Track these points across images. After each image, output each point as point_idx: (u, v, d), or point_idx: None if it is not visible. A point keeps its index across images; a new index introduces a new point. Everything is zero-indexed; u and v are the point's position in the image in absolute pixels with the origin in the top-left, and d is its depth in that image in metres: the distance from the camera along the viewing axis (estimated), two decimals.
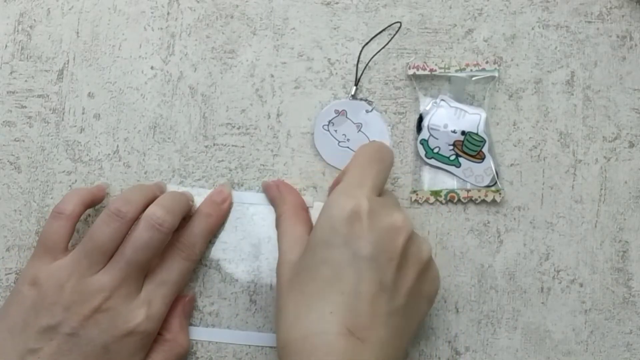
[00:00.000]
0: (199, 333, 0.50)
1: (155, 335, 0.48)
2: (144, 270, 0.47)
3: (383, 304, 0.42)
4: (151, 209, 0.46)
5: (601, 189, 0.52)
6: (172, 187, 0.52)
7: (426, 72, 0.53)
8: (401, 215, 0.44)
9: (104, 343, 0.45)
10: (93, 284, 0.45)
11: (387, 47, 0.53)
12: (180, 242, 0.49)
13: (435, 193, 0.52)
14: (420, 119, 0.52)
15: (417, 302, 0.44)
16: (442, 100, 0.53)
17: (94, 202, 0.50)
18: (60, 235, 0.47)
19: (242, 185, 0.52)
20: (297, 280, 0.43)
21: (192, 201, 0.51)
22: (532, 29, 0.53)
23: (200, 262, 0.51)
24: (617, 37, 0.53)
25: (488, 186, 0.52)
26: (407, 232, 0.43)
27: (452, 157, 0.52)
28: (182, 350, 0.49)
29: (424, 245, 0.45)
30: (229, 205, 0.51)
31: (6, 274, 0.52)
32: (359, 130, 0.52)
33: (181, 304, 0.49)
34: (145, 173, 0.52)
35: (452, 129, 0.52)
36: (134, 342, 0.46)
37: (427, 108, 0.53)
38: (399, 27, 0.53)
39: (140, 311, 0.46)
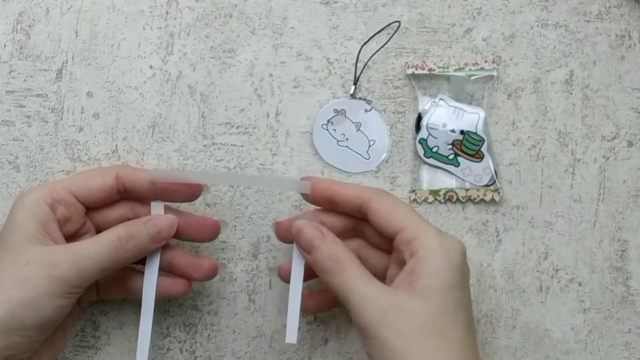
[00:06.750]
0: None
1: None
2: None
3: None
4: None
5: (600, 188, 0.52)
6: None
7: (425, 72, 0.53)
8: None
9: None
10: None
11: (386, 46, 0.53)
12: None
13: (434, 192, 0.52)
14: (419, 118, 0.52)
15: None
16: (441, 99, 0.53)
17: None
18: None
19: (240, 185, 0.52)
20: (434, 327, 0.42)
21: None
22: (531, 28, 0.53)
23: None
24: (616, 36, 0.53)
25: (487, 185, 0.52)
26: None
27: (451, 157, 0.52)
28: None
29: None
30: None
31: None
32: (358, 130, 0.52)
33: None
34: None
35: (451, 128, 0.52)
36: None
37: (426, 107, 0.52)
38: (398, 27, 0.53)
39: None
